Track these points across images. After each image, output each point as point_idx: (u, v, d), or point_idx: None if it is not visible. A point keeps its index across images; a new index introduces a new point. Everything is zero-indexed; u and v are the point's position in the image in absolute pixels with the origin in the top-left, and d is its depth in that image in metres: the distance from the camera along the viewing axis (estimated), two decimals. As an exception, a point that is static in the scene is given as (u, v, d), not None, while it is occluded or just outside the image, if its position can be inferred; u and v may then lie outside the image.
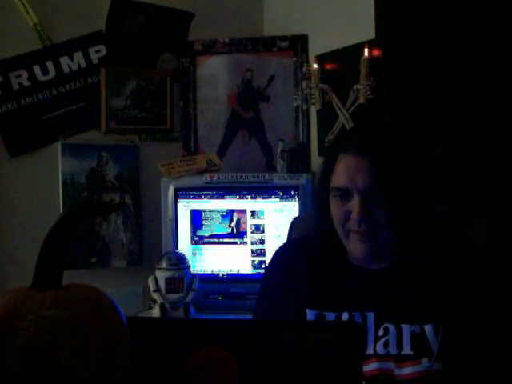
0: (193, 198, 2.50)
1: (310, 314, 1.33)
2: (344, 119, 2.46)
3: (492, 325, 1.30)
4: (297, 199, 2.42)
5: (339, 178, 1.31)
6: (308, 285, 1.38)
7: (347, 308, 1.32)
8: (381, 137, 1.37)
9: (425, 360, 1.25)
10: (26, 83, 2.52)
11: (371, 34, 2.24)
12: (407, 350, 1.27)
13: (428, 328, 1.27)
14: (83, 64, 2.61)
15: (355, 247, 1.33)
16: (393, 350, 1.28)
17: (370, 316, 1.30)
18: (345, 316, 1.31)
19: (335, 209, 1.33)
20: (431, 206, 1.38)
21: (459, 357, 1.27)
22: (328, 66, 2.55)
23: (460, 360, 1.27)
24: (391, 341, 1.28)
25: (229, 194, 2.48)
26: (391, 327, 1.29)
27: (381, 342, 1.29)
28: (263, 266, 2.43)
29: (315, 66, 2.54)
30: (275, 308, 1.41)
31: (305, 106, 2.71)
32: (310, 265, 1.40)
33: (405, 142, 1.44)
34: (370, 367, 1.27)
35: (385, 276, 1.34)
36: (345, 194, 1.30)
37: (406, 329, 1.28)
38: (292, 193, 2.43)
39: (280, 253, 1.50)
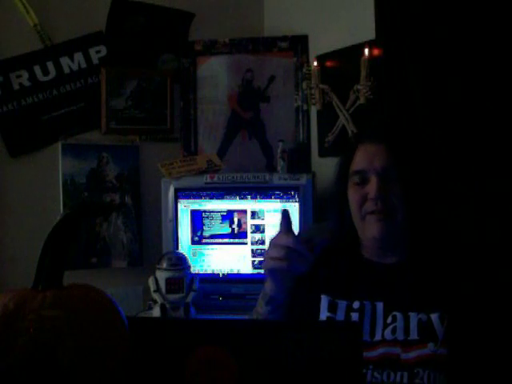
0: (193, 199, 2.50)
1: (324, 300, 1.40)
2: (344, 119, 2.46)
3: (496, 314, 1.35)
4: (297, 199, 2.42)
5: (358, 164, 1.42)
6: (323, 273, 1.44)
7: (358, 297, 1.39)
8: (394, 124, 1.47)
9: (431, 344, 1.30)
10: (27, 83, 2.52)
11: (371, 34, 2.24)
12: (414, 335, 1.32)
13: (434, 316, 1.32)
14: (83, 64, 2.61)
15: (371, 227, 1.39)
16: (400, 336, 1.33)
17: (380, 305, 1.37)
18: (356, 304, 1.39)
19: (353, 194, 1.42)
20: (440, 195, 1.46)
21: (464, 342, 1.31)
22: (328, 66, 2.55)
23: (465, 345, 1.31)
24: (399, 327, 1.33)
25: (229, 195, 2.48)
26: (399, 315, 1.34)
27: (389, 329, 1.34)
28: (263, 266, 2.43)
29: (315, 66, 2.54)
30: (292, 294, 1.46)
31: (305, 107, 2.71)
32: (326, 255, 1.45)
33: (417, 128, 1.53)
34: (377, 352, 1.32)
35: (395, 270, 1.42)
36: (363, 178, 1.40)
37: (413, 317, 1.33)
38: (292, 193, 2.43)
39: None
